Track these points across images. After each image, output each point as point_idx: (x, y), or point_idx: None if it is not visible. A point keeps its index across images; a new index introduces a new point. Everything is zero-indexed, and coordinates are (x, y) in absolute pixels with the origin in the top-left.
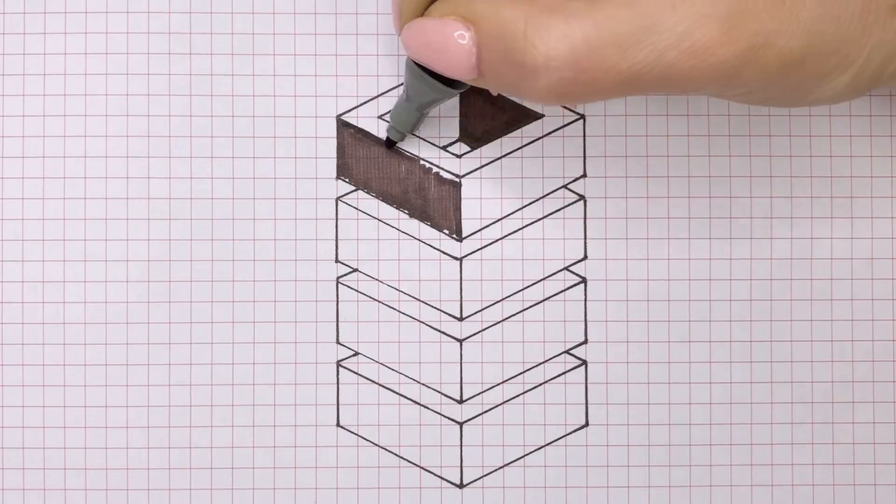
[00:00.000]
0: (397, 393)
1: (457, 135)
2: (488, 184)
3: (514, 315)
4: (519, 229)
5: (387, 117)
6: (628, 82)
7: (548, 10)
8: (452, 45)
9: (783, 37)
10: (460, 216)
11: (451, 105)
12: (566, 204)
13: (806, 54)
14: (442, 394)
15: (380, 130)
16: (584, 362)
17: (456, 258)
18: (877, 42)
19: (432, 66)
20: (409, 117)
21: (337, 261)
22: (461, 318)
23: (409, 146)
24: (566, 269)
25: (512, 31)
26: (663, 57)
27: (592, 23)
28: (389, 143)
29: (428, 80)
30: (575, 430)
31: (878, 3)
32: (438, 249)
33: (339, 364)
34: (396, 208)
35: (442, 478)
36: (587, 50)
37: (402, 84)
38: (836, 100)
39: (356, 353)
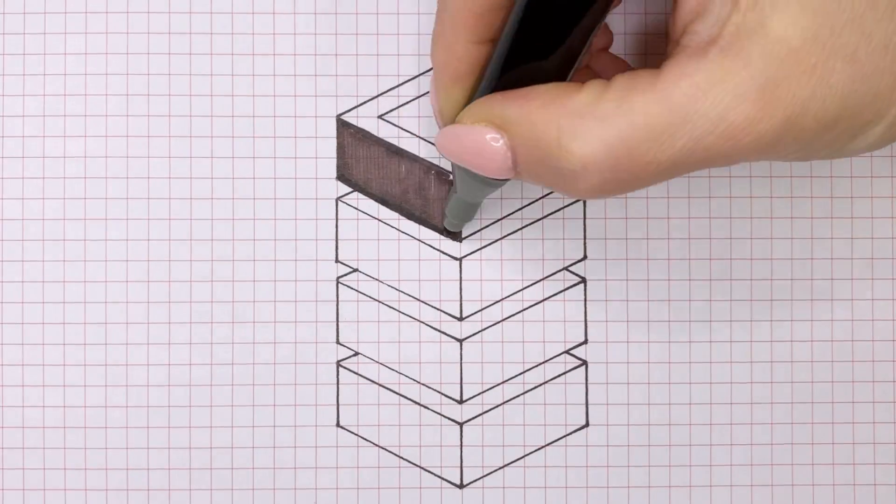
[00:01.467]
0: (397, 393)
1: None
2: None
3: (514, 315)
4: (519, 229)
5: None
6: (668, 171)
7: (579, 114)
8: (487, 148)
9: (817, 102)
10: None
11: None
12: (566, 204)
13: (840, 115)
14: (442, 394)
15: (380, 130)
16: (585, 362)
17: (456, 258)
18: None
19: (473, 168)
20: (465, 210)
21: (337, 261)
22: (461, 318)
23: (409, 146)
24: (566, 269)
25: (545, 138)
26: (701, 143)
27: (627, 122)
28: (450, 234)
29: (471, 179)
30: (575, 431)
31: None
32: (438, 249)
33: (339, 364)
34: (396, 208)
35: (442, 478)
36: (625, 150)
37: (401, 84)
38: (871, 149)
39: (356, 353)
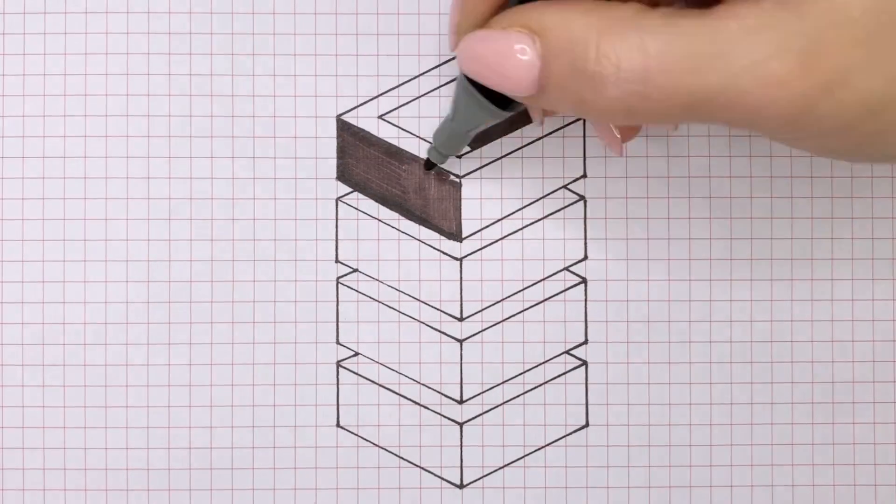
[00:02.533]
0: (397, 393)
1: None
2: (488, 184)
3: (514, 315)
4: (519, 229)
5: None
6: (698, 104)
7: (621, 22)
8: (513, 59)
9: (862, 75)
10: (460, 216)
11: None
12: (566, 204)
13: (885, 99)
14: (442, 394)
15: (380, 130)
16: (585, 363)
17: (456, 258)
18: None
19: (489, 81)
20: (454, 139)
21: (337, 261)
22: (461, 319)
23: (409, 146)
24: (566, 269)
25: (584, 41)
26: (735, 82)
27: (668, 39)
28: (429, 165)
29: (480, 99)
30: (575, 431)
31: None
32: (438, 249)
33: (339, 364)
34: (396, 208)
35: (442, 478)
36: (660, 65)
37: (401, 84)
38: None
39: (356, 354)
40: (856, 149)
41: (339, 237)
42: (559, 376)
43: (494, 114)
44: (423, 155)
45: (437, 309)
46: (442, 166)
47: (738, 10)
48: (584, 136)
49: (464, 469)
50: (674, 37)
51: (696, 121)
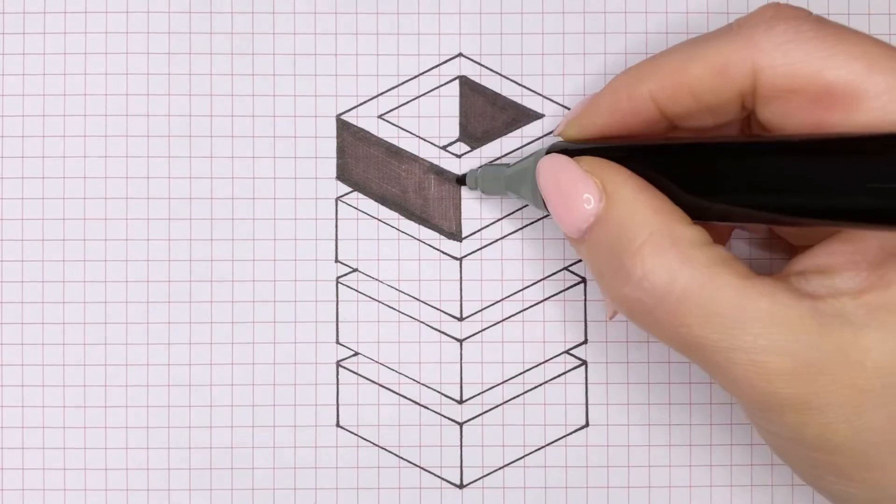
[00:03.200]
0: (397, 393)
1: (457, 135)
2: None
3: (514, 315)
4: (519, 229)
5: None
6: (689, 348)
7: (674, 240)
8: (578, 201)
9: (839, 419)
10: (460, 216)
11: (451, 105)
12: None
13: (854, 454)
14: (442, 394)
15: (380, 130)
16: (584, 362)
17: (456, 258)
18: None
19: (549, 202)
20: (496, 189)
21: (337, 261)
22: (461, 318)
23: (409, 146)
24: (566, 269)
25: (634, 234)
26: (730, 352)
27: (700, 282)
28: (462, 182)
29: (539, 200)
30: (575, 431)
31: None
32: (438, 249)
33: (338, 364)
34: (396, 208)
35: (442, 478)
36: (677, 298)
37: (401, 84)
38: None
39: (356, 354)
40: (803, 470)
41: (338, 237)
42: (559, 376)
43: (539, 207)
44: (423, 154)
45: (437, 309)
46: (441, 167)
47: (777, 295)
48: None
49: (464, 469)
50: (705, 282)
51: (683, 355)
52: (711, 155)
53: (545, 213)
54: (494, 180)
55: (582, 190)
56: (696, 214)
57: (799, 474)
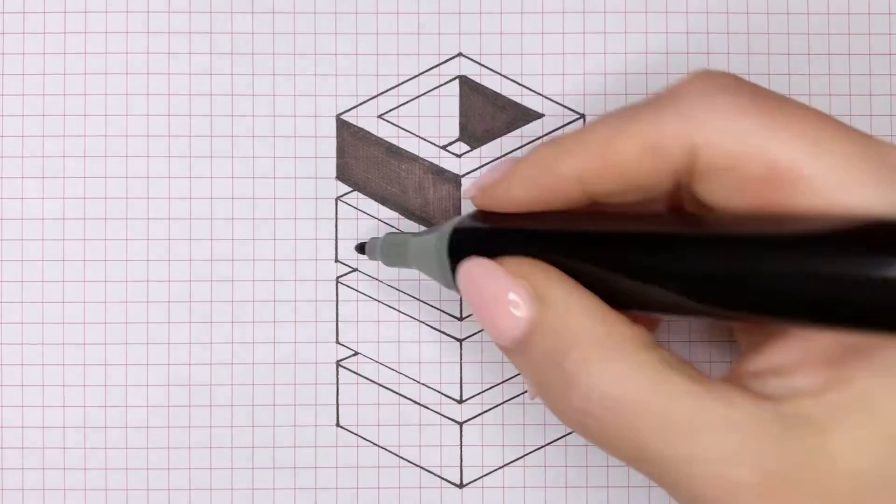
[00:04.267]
0: (397, 393)
1: (457, 135)
2: None
3: None
4: None
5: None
6: (639, 459)
7: (615, 344)
8: (505, 309)
9: None
10: (460, 216)
11: (451, 105)
12: None
13: None
14: (442, 394)
15: (379, 130)
16: None
17: None
18: None
19: (476, 310)
20: (398, 262)
21: (337, 260)
22: (461, 318)
23: (409, 146)
24: None
25: (575, 339)
26: (690, 465)
27: (649, 388)
28: (360, 250)
29: (449, 280)
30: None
31: None
32: None
33: (338, 364)
34: (396, 208)
35: (442, 478)
36: (631, 406)
37: (401, 84)
38: None
39: (356, 353)
40: None
41: (338, 237)
42: None
43: (449, 286)
44: (423, 154)
45: (437, 308)
46: (441, 167)
47: (734, 399)
48: None
49: (463, 469)
50: (657, 389)
51: (636, 470)
52: (648, 245)
53: (458, 295)
54: (396, 255)
55: (509, 296)
56: (629, 305)
57: None
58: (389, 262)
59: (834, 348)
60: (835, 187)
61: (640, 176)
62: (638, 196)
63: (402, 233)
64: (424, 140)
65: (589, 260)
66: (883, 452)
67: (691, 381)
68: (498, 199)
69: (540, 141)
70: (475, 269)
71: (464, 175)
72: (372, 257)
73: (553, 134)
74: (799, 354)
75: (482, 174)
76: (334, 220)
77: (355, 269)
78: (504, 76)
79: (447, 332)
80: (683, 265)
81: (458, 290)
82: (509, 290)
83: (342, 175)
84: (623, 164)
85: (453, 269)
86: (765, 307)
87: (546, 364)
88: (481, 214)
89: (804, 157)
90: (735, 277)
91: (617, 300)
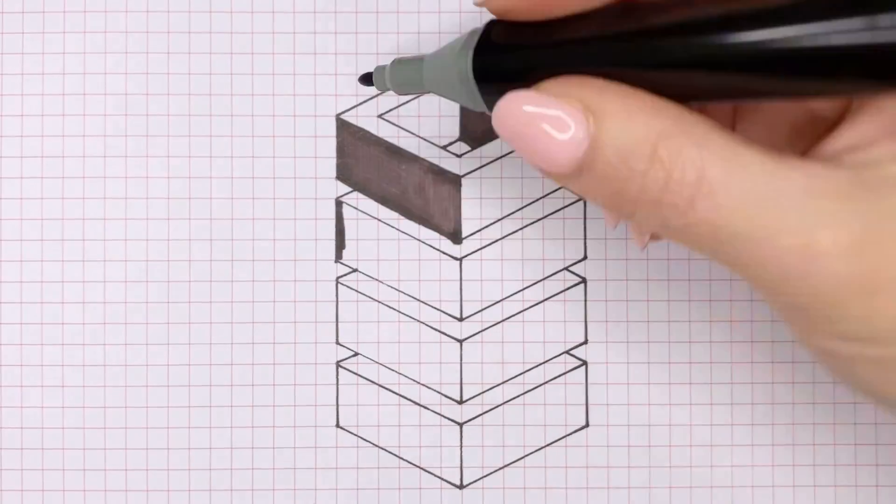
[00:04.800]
0: (397, 393)
1: (457, 135)
2: (488, 184)
3: (514, 315)
4: (519, 229)
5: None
6: (727, 243)
7: (686, 132)
8: (561, 136)
9: None
10: (460, 216)
11: (452, 105)
12: (566, 204)
13: None
14: (442, 394)
15: (379, 130)
16: (585, 363)
17: (456, 258)
18: None
19: (520, 148)
20: (413, 88)
21: (337, 261)
22: (461, 318)
23: (409, 146)
24: (566, 269)
25: (642, 138)
26: (774, 238)
27: (728, 168)
28: (366, 80)
29: (479, 100)
30: (575, 431)
31: None
32: (438, 249)
33: (338, 364)
34: (396, 208)
35: (442, 478)
36: (710, 192)
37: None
38: None
39: (356, 354)
40: (876, 379)
41: (338, 238)
42: (559, 376)
43: (479, 108)
44: (423, 154)
45: (437, 309)
46: (441, 166)
47: (809, 167)
48: None
49: (464, 469)
50: (735, 168)
51: (715, 258)
52: (704, 26)
53: (486, 111)
54: (410, 79)
55: (563, 120)
56: (687, 97)
57: (867, 389)
58: (402, 88)
59: None
60: None
61: None
62: None
63: (413, 57)
64: (424, 140)
65: (643, 60)
66: None
67: (768, 156)
68: None
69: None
70: (514, 104)
71: (464, 175)
72: (381, 87)
73: None
74: (875, 128)
75: None
76: (334, 220)
77: (355, 270)
78: None
79: (447, 332)
80: (746, 40)
81: (488, 112)
82: (560, 114)
83: (342, 175)
84: None
85: (482, 93)
86: (830, 69)
87: (614, 176)
88: (499, 26)
89: None
90: (798, 46)
91: (676, 94)
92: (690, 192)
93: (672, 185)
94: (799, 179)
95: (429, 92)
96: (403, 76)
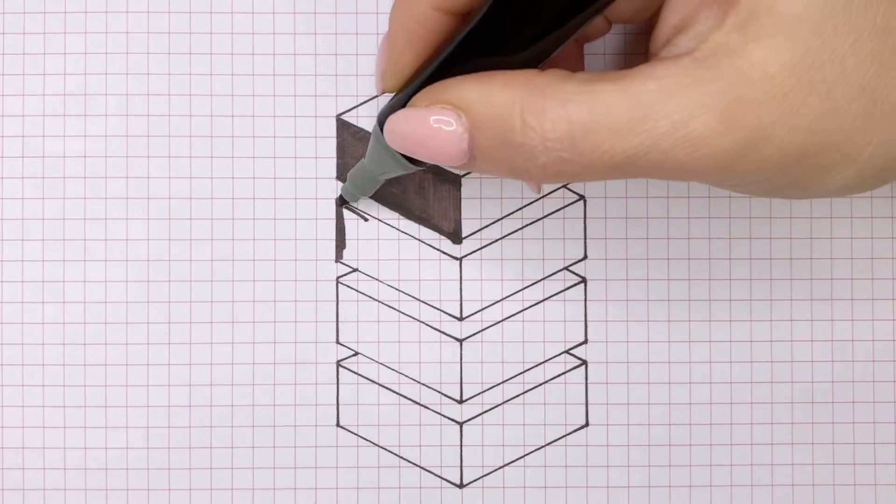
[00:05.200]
0: (397, 393)
1: None
2: (488, 184)
3: (514, 315)
4: (519, 229)
5: (346, 177)
6: (623, 165)
7: (542, 92)
8: (440, 133)
9: (783, 130)
10: (460, 216)
11: None
12: (566, 204)
13: (806, 150)
14: (442, 394)
15: None
16: (584, 362)
17: (456, 258)
18: (882, 141)
19: (418, 155)
20: (369, 183)
21: (337, 261)
22: (461, 318)
23: None
24: (566, 269)
25: (508, 114)
26: (658, 144)
27: (590, 106)
28: (341, 202)
29: (399, 158)
30: (575, 430)
31: (884, 101)
32: (438, 249)
33: (338, 364)
34: (396, 208)
35: (442, 478)
36: (583, 132)
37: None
38: (843, 193)
39: (356, 353)
40: (782, 190)
41: (338, 238)
42: (559, 376)
43: (407, 168)
44: None
45: (437, 309)
46: (441, 167)
47: (655, 71)
48: None
49: (464, 469)
50: (595, 103)
51: (628, 177)
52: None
53: (421, 167)
54: (364, 179)
55: (439, 118)
56: (533, 62)
57: (793, 196)
58: (365, 190)
59: None
60: None
61: None
62: None
63: (355, 166)
64: None
65: (475, 54)
66: (800, 48)
67: (614, 80)
68: (397, 72)
69: None
70: (396, 122)
71: (464, 175)
72: (352, 199)
73: None
74: (689, 4)
75: (377, 65)
76: (334, 220)
77: (355, 270)
78: None
79: (447, 332)
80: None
81: (413, 166)
82: (434, 117)
83: (342, 175)
84: None
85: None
86: None
87: (503, 152)
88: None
89: None
90: None
91: (523, 62)
92: (569, 142)
93: (550, 144)
94: (653, 88)
95: (383, 181)
96: (359, 178)
